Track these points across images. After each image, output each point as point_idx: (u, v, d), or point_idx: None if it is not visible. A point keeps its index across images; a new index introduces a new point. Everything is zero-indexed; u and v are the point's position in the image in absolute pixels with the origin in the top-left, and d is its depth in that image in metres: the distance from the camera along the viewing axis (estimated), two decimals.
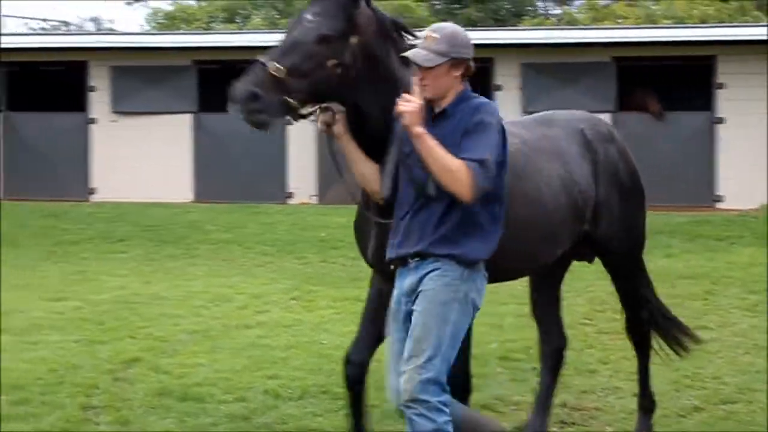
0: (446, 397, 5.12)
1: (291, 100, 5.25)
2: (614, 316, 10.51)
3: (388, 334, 5.49)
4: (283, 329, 10.29)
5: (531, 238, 6.07)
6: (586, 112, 7.10)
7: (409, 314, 5.22)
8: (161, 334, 10.02)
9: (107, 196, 23.41)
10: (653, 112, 21.84)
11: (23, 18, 44.35)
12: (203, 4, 47.73)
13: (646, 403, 7.05)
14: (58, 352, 9.42)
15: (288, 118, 5.42)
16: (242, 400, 7.76)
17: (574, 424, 7.36)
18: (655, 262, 14.49)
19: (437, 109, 5.21)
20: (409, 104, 5.03)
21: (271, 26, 39.40)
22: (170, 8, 49.05)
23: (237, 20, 43.68)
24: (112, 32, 35.43)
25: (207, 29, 40.36)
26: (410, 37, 5.65)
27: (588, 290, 11.73)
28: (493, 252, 5.22)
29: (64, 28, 45.17)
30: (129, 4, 52.75)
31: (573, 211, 6.30)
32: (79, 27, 50.21)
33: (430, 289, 5.13)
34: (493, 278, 5.87)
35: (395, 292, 5.33)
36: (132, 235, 18.30)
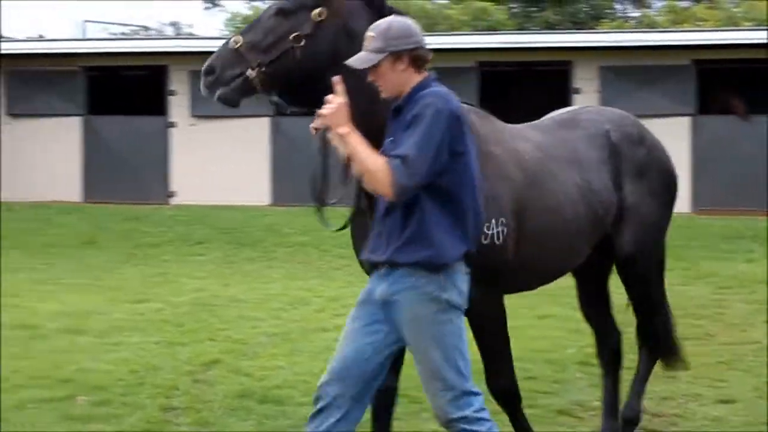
0: (478, 402, 4.98)
1: (250, 74, 5.25)
2: (695, 321, 10.44)
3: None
4: None
5: (548, 249, 5.91)
6: (616, 110, 6.76)
7: (378, 321, 5.01)
8: (240, 337, 10.08)
9: (186, 199, 23.65)
10: (739, 114, 21.56)
11: (104, 23, 44.90)
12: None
13: (632, 414, 6.78)
14: (138, 354, 9.52)
15: (271, 98, 5.45)
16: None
17: (654, 431, 7.26)
18: (735, 267, 14.37)
19: (393, 106, 5.01)
20: (328, 106, 4.87)
21: None
22: (248, 12, 49.39)
23: None
24: (191, 36, 35.74)
25: None
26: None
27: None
28: (470, 248, 4.93)
29: (144, 32, 45.67)
30: (207, 8, 53.35)
31: (592, 221, 6.13)
32: (159, 32, 50.73)
33: (413, 317, 4.91)
34: (510, 288, 6.04)
35: (368, 286, 5.10)
36: (210, 238, 18.50)
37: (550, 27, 38.53)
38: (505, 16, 41.83)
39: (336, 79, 4.91)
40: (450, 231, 4.87)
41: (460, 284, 4.95)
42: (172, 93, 24.43)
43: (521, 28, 38.55)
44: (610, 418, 6.85)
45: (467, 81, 22.68)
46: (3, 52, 25.22)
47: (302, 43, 5.26)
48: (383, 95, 4.96)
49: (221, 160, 23.54)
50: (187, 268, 14.65)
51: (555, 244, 5.93)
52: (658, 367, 7.06)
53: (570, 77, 22.64)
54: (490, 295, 5.61)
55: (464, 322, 5.03)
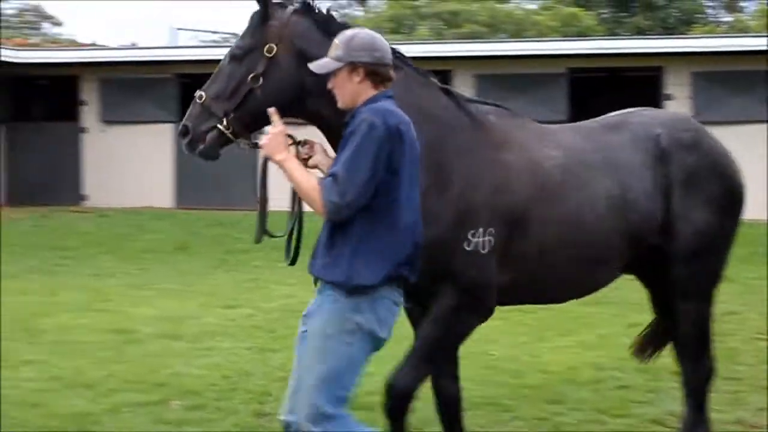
0: (332, 427, 4.79)
1: (221, 127, 5.37)
2: None
3: None
4: None
5: (564, 260, 5.74)
6: (674, 112, 6.52)
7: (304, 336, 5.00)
8: None
9: (276, 205, 23.75)
10: None
11: (195, 31, 45.33)
12: (370, 15, 48.17)
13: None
14: (230, 359, 9.61)
15: (241, 144, 5.52)
16: (412, 410, 7.75)
17: None
18: None
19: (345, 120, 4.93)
20: (265, 135, 4.91)
21: (438, 37, 39.49)
22: (339, 19, 49.58)
23: (403, 30, 43.88)
24: None
25: None
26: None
27: (763, 304, 11.44)
28: (396, 272, 4.75)
29: (233, 40, 46.14)
30: None
31: (624, 231, 5.85)
32: None
33: (317, 321, 4.85)
34: (531, 301, 6.08)
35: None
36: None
37: (640, 32, 38.19)
38: (594, 21, 41.57)
39: (271, 110, 4.96)
40: (375, 253, 4.75)
41: (381, 311, 4.81)
42: None
43: (611, 34, 38.19)
44: None
45: (557, 87, 22.61)
46: (96, 60, 25.69)
47: (260, 83, 5.36)
48: (339, 105, 4.94)
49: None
50: (277, 274, 14.71)
51: (572, 255, 5.74)
52: (751, 377, 6.92)
53: (661, 83, 22.43)
54: (463, 309, 5.52)
55: (368, 354, 4.88)
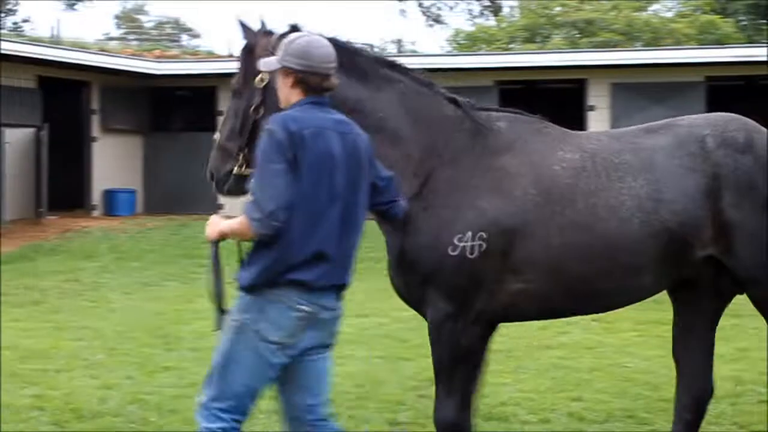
0: (220, 426, 4.90)
1: (237, 167, 5.48)
2: None
3: None
4: (585, 351, 10.19)
5: (584, 270, 5.44)
6: (731, 115, 5.89)
7: None
8: None
9: None
10: None
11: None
12: (504, 24, 48.04)
13: None
14: (363, 368, 9.65)
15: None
16: (546, 421, 7.69)
17: None
18: None
19: None
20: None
21: (572, 46, 39.17)
22: (471, 29, 49.60)
23: (537, 40, 43.64)
24: (414, 54, 36.09)
25: (507, 50, 40.50)
26: (370, 60, 5.69)
27: None
28: (265, 280, 4.77)
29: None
30: (430, 25, 53.84)
31: (662, 237, 5.45)
32: (383, 49, 51.45)
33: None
34: (555, 311, 5.78)
35: None
36: None
37: None
38: (733, 29, 40.69)
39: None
40: (259, 257, 4.84)
41: (272, 313, 4.85)
42: None
43: (750, 42, 37.39)
44: None
45: (694, 96, 22.22)
46: (233, 71, 26.05)
47: (261, 113, 5.42)
48: (280, 105, 5.06)
49: None
50: None
51: (589, 261, 5.43)
52: None
53: None
54: (451, 315, 5.42)
55: (259, 354, 4.88)
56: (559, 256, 5.37)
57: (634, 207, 5.42)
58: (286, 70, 4.94)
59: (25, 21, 58.47)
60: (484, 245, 5.29)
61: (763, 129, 5.75)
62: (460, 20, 64.76)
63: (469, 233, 5.28)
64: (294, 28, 5.55)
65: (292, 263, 4.79)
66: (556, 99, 24.80)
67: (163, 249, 19.47)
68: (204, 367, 9.42)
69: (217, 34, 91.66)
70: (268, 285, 4.81)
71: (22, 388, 8.80)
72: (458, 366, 5.47)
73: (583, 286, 5.49)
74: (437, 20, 53.95)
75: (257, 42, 5.60)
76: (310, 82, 4.93)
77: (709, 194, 5.46)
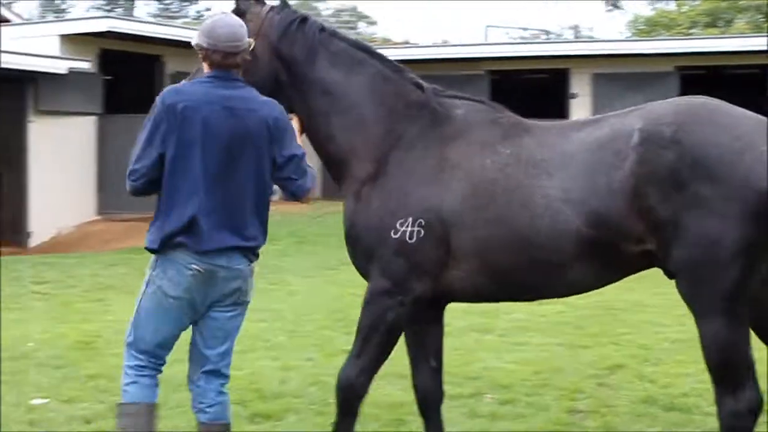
0: (135, 364, 5.51)
1: None
2: None
3: None
4: None
5: (509, 263, 5.45)
6: (691, 102, 5.42)
7: None
8: (644, 342, 9.94)
9: None
10: None
11: (506, 27, 45.64)
12: (684, 8, 46.99)
13: None
14: (541, 355, 9.60)
15: None
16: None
17: None
18: None
19: None
20: None
21: (756, 30, 38.01)
22: (651, 14, 48.73)
23: (719, 24, 42.56)
24: (591, 40, 35.67)
25: (688, 35, 39.60)
26: (349, 44, 5.88)
27: None
28: (160, 242, 5.22)
29: (544, 36, 46.02)
30: (609, 11, 53.04)
31: (570, 235, 5.26)
32: (559, 36, 50.99)
33: None
34: (495, 298, 5.93)
35: None
36: None
37: None
38: None
39: None
40: (155, 222, 5.32)
41: (170, 271, 5.31)
42: (572, 96, 24.50)
43: None
44: None
45: None
46: (409, 57, 26.18)
47: (240, 72, 5.49)
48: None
49: None
50: None
51: (512, 255, 5.42)
52: None
53: None
54: (387, 292, 5.55)
55: (163, 307, 5.39)
56: (485, 248, 5.43)
57: (544, 206, 5.32)
58: (197, 46, 5.34)
59: (207, 10, 61.10)
60: (423, 232, 5.41)
61: (709, 120, 5.22)
62: (639, 5, 63.40)
63: (410, 219, 5.43)
64: (282, 2, 5.89)
65: (175, 228, 5.23)
66: (739, 85, 24.13)
67: (341, 233, 19.67)
68: None
69: (393, 21, 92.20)
70: (164, 247, 5.26)
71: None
72: (375, 336, 5.62)
73: (509, 278, 5.54)
74: (616, 5, 53.08)
75: (249, 9, 5.82)
76: (213, 58, 5.29)
77: (629, 192, 5.17)
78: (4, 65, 18.93)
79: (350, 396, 5.73)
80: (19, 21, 29.93)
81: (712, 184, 5.01)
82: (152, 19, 45.86)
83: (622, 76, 23.89)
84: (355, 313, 11.23)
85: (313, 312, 12.02)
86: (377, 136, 5.68)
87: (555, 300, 12.04)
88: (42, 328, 10.72)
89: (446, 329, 10.57)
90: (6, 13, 30.66)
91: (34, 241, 20.57)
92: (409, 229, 5.41)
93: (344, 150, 5.74)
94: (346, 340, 10.10)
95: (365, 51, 5.91)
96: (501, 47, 27.99)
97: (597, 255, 5.33)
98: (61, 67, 20.28)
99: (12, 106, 20.53)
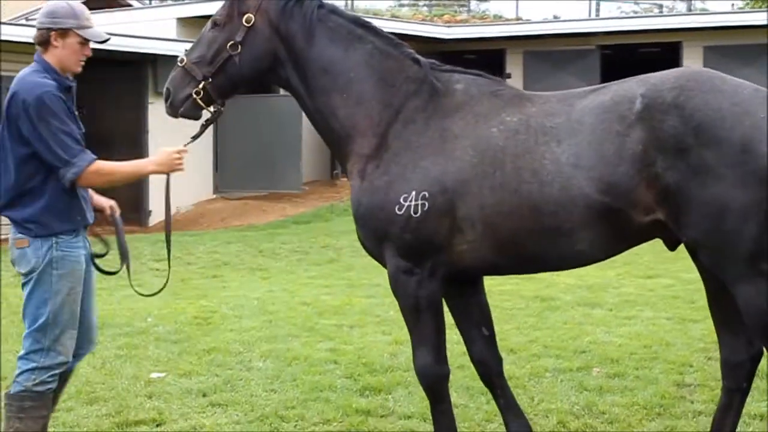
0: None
1: (195, 94, 5.64)
2: None
3: None
4: None
5: (516, 231, 5.29)
6: (692, 71, 5.31)
7: None
8: None
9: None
10: None
11: (616, 1, 44.92)
12: None
13: None
14: (650, 329, 9.52)
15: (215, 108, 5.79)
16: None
17: None
18: None
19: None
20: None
21: None
22: None
23: None
24: (704, 12, 34.98)
25: None
26: (347, 20, 5.77)
27: None
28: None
29: (656, 9, 45.28)
30: None
31: (580, 201, 5.14)
32: (671, 9, 50.11)
33: None
34: (494, 272, 5.83)
35: (86, 253, 5.71)
36: None
37: None
38: None
39: None
40: None
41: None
42: None
43: None
44: None
45: None
46: (521, 33, 26.03)
47: (239, 50, 5.62)
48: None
49: None
50: None
51: (519, 222, 5.26)
52: None
53: None
54: (406, 271, 5.47)
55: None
56: (492, 216, 5.31)
57: (555, 172, 5.20)
58: None
59: None
60: (427, 204, 5.34)
61: (711, 85, 5.13)
62: None
63: (413, 193, 5.35)
64: None
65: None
66: None
67: None
68: (494, 325, 9.54)
69: None
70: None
71: (319, 342, 9.15)
72: (421, 317, 5.54)
73: (517, 247, 5.39)
74: None
75: None
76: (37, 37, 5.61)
77: (636, 158, 5.08)
78: (125, 48, 19.32)
79: (435, 382, 5.67)
80: (138, 5, 30.50)
81: (714, 148, 4.94)
82: None
83: (735, 49, 23.45)
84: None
85: None
86: (378, 111, 5.62)
87: (665, 274, 12.02)
88: (160, 304, 10.94)
89: (554, 303, 10.65)
90: None
91: (153, 220, 20.99)
92: (413, 203, 5.34)
93: (347, 126, 5.66)
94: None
95: (364, 27, 5.80)
96: (612, 22, 27.59)
97: (606, 223, 5.22)
98: (178, 49, 20.57)
99: (133, 88, 20.95)
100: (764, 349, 5.42)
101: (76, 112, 5.63)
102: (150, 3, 34.55)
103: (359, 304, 11.11)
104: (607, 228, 5.23)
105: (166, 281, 6.11)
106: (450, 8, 43.82)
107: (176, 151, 5.66)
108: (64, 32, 5.54)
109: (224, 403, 7.12)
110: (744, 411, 6.57)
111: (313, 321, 10.07)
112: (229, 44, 5.63)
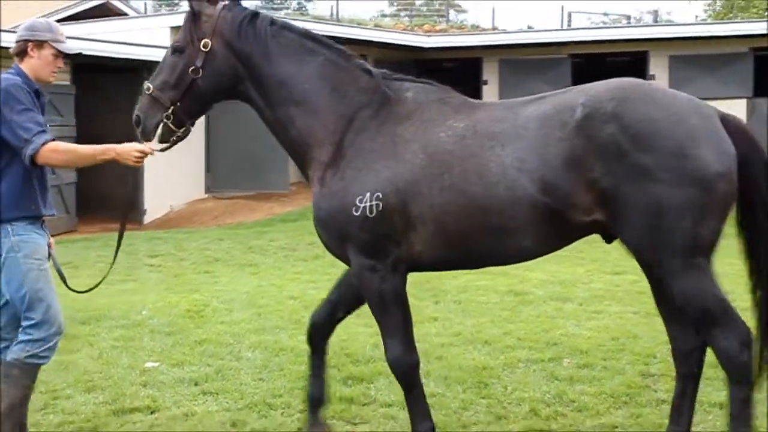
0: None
1: (165, 119, 5.70)
2: None
3: None
4: None
5: (464, 229, 5.37)
6: (621, 82, 5.39)
7: None
8: None
9: None
10: None
11: (587, 13, 45.04)
12: None
13: None
14: (617, 322, 9.56)
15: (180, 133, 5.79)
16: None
17: None
18: None
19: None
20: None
21: None
22: None
23: None
24: (669, 24, 35.08)
25: (762, 17, 38.71)
26: (298, 34, 5.81)
27: None
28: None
29: (625, 21, 45.38)
30: None
31: (524, 202, 5.22)
32: (638, 20, 50.21)
33: None
34: (451, 266, 5.88)
35: (44, 242, 5.82)
36: None
37: None
38: None
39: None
40: None
41: None
42: (651, 77, 24.26)
43: None
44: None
45: None
46: (496, 43, 26.08)
47: (200, 74, 5.68)
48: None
49: None
50: None
51: (466, 221, 5.34)
52: None
53: None
54: (369, 267, 5.54)
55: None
56: (441, 215, 5.37)
57: (500, 174, 5.27)
58: None
59: (308, 1, 61.65)
60: (381, 204, 5.39)
61: (649, 96, 5.24)
62: None
63: (368, 194, 5.41)
64: (233, 2, 5.86)
65: None
66: None
67: None
68: (467, 318, 9.59)
69: (483, 8, 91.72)
70: None
71: (304, 334, 9.11)
72: (388, 310, 5.63)
73: (466, 244, 5.45)
74: None
75: (204, 10, 5.79)
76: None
77: (576, 163, 5.15)
78: (122, 55, 19.30)
79: (406, 370, 5.75)
80: (134, 15, 30.45)
81: (652, 154, 5.04)
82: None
83: (698, 58, 23.55)
84: (444, 284, 11.41)
85: None
86: (333, 121, 5.67)
87: (631, 270, 12.05)
88: (155, 297, 10.95)
89: (527, 298, 10.68)
90: (123, 7, 31.22)
91: (148, 218, 20.96)
92: (368, 204, 5.41)
93: (304, 135, 5.73)
94: (434, 309, 10.20)
95: (314, 40, 5.85)
96: (582, 32, 27.67)
97: (549, 222, 5.29)
98: None
99: (130, 93, 20.87)
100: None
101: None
102: (145, 13, 34.53)
103: None
104: (550, 226, 5.31)
105: (101, 280, 6.23)
106: (430, 18, 43.90)
107: (140, 149, 5.67)
108: (40, 44, 5.84)
109: (215, 391, 7.13)
110: (705, 400, 6.68)
111: (299, 314, 10.07)
112: (190, 69, 5.70)
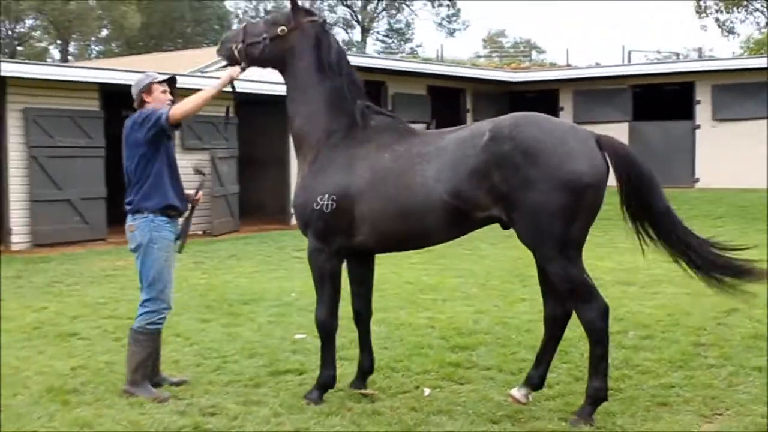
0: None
1: (234, 50, 6.20)
2: None
3: None
4: None
5: (386, 222, 5.72)
6: (525, 114, 5.57)
7: None
8: (754, 290, 9.49)
9: (709, 183, 22.93)
10: None
11: (645, 51, 44.21)
12: None
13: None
14: (673, 301, 9.35)
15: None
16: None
17: None
18: None
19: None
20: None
21: None
22: (759, 36, 46.34)
23: None
24: (712, 58, 34.13)
25: None
26: (338, 56, 6.09)
27: None
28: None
29: (674, 57, 44.34)
30: (725, 36, 50.61)
31: (439, 205, 5.54)
32: (685, 56, 49.02)
33: None
34: (388, 249, 6.08)
35: (173, 236, 6.37)
36: (729, 214, 17.73)
37: None
38: None
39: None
40: None
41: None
42: (697, 102, 23.65)
43: None
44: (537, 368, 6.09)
45: None
46: (571, 77, 25.74)
47: (268, 42, 6.14)
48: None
49: (739, 153, 22.48)
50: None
51: (398, 218, 5.68)
52: None
53: None
54: (318, 249, 5.93)
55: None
56: (378, 216, 5.72)
57: (423, 184, 5.58)
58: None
59: (418, 46, 62.91)
60: (334, 204, 5.78)
61: (539, 125, 5.47)
62: (749, 29, 60.52)
63: (326, 195, 5.80)
64: (322, 23, 6.21)
65: None
66: None
67: None
68: None
69: (559, 48, 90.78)
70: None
71: (419, 312, 9.15)
72: (324, 283, 6.00)
73: (394, 236, 5.78)
74: (731, 31, 50.63)
75: (301, 13, 6.18)
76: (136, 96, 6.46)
77: (481, 174, 5.43)
78: (268, 92, 19.53)
79: (328, 330, 6.10)
80: None
81: (536, 167, 5.27)
82: (377, 55, 46.42)
83: (736, 86, 22.91)
84: (530, 271, 11.22)
85: (498, 270, 11.99)
86: (319, 132, 6.02)
87: None
88: (301, 283, 11.04)
89: (597, 282, 10.38)
90: None
91: (294, 220, 21.15)
92: (325, 202, 5.79)
93: (303, 131, 6.10)
94: (522, 292, 10.09)
95: (339, 63, 6.13)
96: (640, 67, 27.06)
97: (454, 219, 5.59)
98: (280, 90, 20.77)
99: (276, 122, 21.19)
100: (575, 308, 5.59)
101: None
102: None
103: (450, 283, 11.08)
104: (457, 222, 5.62)
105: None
106: (516, 58, 43.57)
107: (230, 73, 6.21)
108: (148, 89, 6.36)
109: (350, 358, 7.15)
110: (746, 365, 6.52)
111: (415, 296, 10.07)
112: (263, 35, 6.15)
